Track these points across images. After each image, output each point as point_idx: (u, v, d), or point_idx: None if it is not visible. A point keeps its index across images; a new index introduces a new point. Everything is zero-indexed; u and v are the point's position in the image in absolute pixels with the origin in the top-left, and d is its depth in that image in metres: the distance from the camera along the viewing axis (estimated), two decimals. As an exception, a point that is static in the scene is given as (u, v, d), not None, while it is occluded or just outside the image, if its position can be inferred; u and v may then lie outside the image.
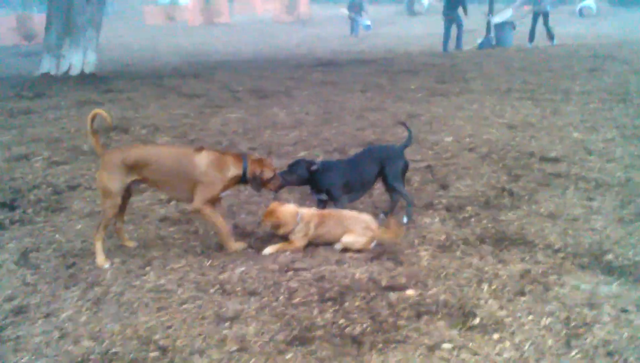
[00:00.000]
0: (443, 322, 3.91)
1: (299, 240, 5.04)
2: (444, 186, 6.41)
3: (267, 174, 5.03)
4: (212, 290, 4.39)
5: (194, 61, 21.09)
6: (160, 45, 30.06)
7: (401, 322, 3.90)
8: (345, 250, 4.98)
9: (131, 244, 5.21)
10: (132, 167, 4.79)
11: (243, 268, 4.71)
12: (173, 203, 6.20)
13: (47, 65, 15.71)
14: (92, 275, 4.66)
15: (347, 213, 5.18)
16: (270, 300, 4.23)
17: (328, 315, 4.00)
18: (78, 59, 15.55)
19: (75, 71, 15.47)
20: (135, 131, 9.24)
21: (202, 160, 4.84)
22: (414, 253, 4.89)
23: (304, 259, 4.85)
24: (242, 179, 4.98)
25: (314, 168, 5.38)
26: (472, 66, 15.72)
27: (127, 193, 4.99)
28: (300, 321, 3.94)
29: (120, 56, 23.01)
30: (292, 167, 5.43)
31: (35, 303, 4.26)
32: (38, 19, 34.17)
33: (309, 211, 5.17)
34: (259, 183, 5.00)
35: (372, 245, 5.04)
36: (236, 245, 5.08)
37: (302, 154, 7.73)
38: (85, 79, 15.07)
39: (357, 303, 4.13)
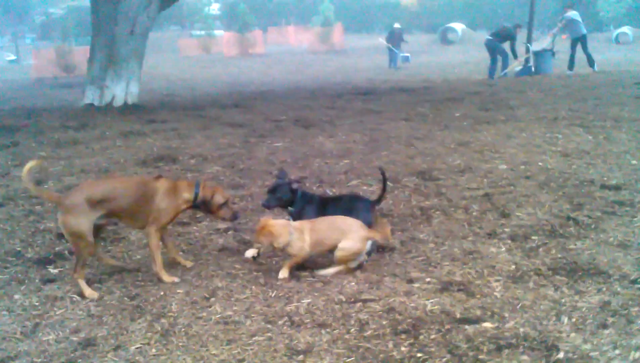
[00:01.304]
0: (526, 356, 3.75)
1: (299, 251, 5.04)
2: (505, 215, 6.25)
3: (218, 199, 5.15)
4: (280, 322, 4.29)
5: (232, 91, 21.24)
6: (198, 76, 30.42)
7: (482, 356, 3.75)
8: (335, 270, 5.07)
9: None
10: (97, 203, 4.78)
11: (309, 300, 4.60)
12: (230, 232, 6.14)
13: (90, 96, 15.92)
14: (157, 307, 4.59)
15: (337, 217, 5.23)
16: (341, 333, 4.12)
17: (404, 349, 3.87)
18: (121, 90, 15.73)
19: (118, 102, 15.65)
20: (184, 161, 9.24)
21: (160, 187, 5.03)
22: (485, 283, 4.74)
23: (370, 290, 4.73)
24: (193, 205, 5.16)
25: (294, 186, 5.63)
26: (514, 94, 15.57)
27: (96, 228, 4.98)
28: (376, 355, 3.82)
29: (159, 87, 23.29)
30: (275, 190, 5.61)
31: (102, 336, 4.19)
32: (77, 51, 34.92)
33: (299, 221, 5.24)
34: (209, 209, 5.18)
35: (368, 246, 5.10)
36: (168, 277, 5.07)
37: (354, 182, 7.64)
38: (128, 110, 15.22)
39: (432, 336, 3.99)
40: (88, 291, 4.81)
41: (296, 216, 5.54)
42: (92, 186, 5.15)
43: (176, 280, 5.04)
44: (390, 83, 21.14)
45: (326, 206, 5.65)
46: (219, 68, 35.34)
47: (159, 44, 49.69)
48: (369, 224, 5.31)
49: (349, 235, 5.00)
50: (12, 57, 53.13)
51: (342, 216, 5.22)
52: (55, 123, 13.58)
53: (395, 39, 32.26)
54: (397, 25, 33.61)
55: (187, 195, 5.10)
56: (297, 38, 49.62)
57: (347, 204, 5.62)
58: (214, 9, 64.90)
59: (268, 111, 14.57)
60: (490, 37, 21.67)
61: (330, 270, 5.08)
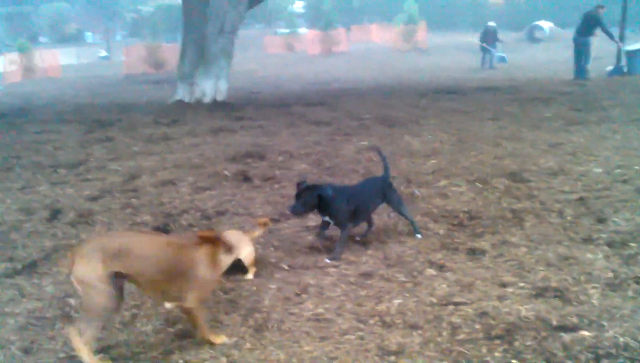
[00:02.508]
0: (627, 367, 3.64)
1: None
2: (601, 220, 6.05)
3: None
4: (371, 322, 4.30)
5: (316, 89, 21.39)
6: (283, 73, 30.76)
7: (580, 365, 3.66)
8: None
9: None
10: (112, 257, 3.74)
11: (400, 300, 4.60)
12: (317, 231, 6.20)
13: (180, 92, 16.40)
14: (250, 301, 4.69)
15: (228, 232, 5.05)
16: (433, 335, 4.09)
17: (497, 354, 3.81)
18: (210, 87, 16.14)
19: (207, 99, 16.06)
20: (272, 158, 9.38)
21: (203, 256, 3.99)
22: (582, 290, 4.61)
23: (461, 293, 4.69)
24: None
25: (327, 193, 5.44)
26: (607, 94, 15.02)
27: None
28: (469, 359, 3.78)
29: (246, 85, 23.70)
30: (304, 196, 5.47)
31: (198, 328, 4.31)
32: (165, 48, 35.94)
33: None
34: None
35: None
36: (219, 338, 4.14)
37: (442, 183, 7.56)
38: (217, 107, 15.58)
39: (528, 343, 3.91)
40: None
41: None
42: (108, 237, 4.31)
43: (226, 340, 4.13)
44: (475, 82, 20.78)
45: (361, 193, 5.81)
46: (303, 66, 35.64)
47: (245, 42, 50.55)
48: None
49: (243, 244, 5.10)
50: (104, 53, 55.18)
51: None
52: (147, 119, 14.05)
53: (489, 37, 30.54)
54: (491, 23, 31.59)
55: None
56: (381, 36, 49.40)
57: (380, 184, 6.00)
58: (298, 7, 65.45)
59: (352, 109, 14.58)
60: (577, 34, 20.47)
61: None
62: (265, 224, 5.52)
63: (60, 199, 7.47)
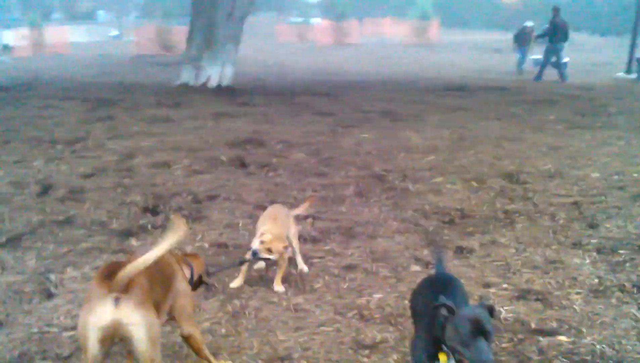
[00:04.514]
0: (601, 376, 3.60)
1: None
2: (593, 226, 5.99)
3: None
4: (350, 314, 4.28)
5: (323, 79, 21.30)
6: (292, 62, 30.68)
7: (555, 371, 3.63)
8: None
9: None
10: None
11: (380, 295, 4.57)
12: (309, 220, 6.16)
13: (186, 76, 16.36)
14: (231, 288, 4.66)
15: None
16: (410, 332, 4.06)
17: (473, 353, 3.77)
18: (216, 72, 16.10)
19: (212, 83, 16.02)
20: (271, 145, 9.35)
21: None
22: (565, 295, 4.56)
23: (444, 290, 4.65)
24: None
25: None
26: (613, 100, 14.90)
27: None
28: (444, 357, 3.75)
29: (252, 71, 23.62)
30: None
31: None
32: (177, 30, 35.80)
33: None
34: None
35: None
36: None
37: (438, 179, 7.51)
38: (221, 92, 15.55)
39: (504, 345, 3.88)
40: None
41: None
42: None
43: None
44: (483, 81, 20.65)
45: None
46: (313, 56, 35.52)
47: (255, 29, 50.41)
48: None
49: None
50: (115, 32, 55.10)
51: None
52: (150, 100, 14.04)
53: (525, 39, 26.71)
54: (529, 23, 28.94)
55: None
56: (393, 30, 49.16)
57: None
58: (313, -3, 65.31)
59: (357, 102, 14.53)
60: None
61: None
62: (311, 202, 5.51)
63: (53, 175, 7.46)
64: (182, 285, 3.35)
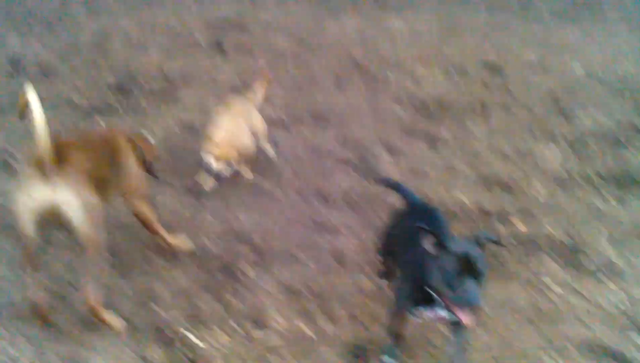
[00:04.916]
0: (551, 260, 3.68)
1: None
2: (568, 117, 5.96)
3: None
4: (313, 198, 4.30)
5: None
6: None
7: (507, 255, 3.70)
8: None
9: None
10: None
11: (347, 181, 4.60)
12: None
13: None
14: (191, 169, 4.62)
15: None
16: (369, 215, 4.11)
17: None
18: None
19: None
20: (255, 30, 9.08)
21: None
22: (530, 185, 4.60)
23: (410, 177, 4.67)
24: None
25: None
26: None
27: None
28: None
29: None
30: None
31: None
32: None
33: None
34: None
35: None
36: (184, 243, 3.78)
37: (418, 69, 7.38)
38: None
39: (462, 230, 3.92)
40: None
41: None
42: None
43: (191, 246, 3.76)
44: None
45: None
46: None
47: None
48: None
49: None
50: None
51: None
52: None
53: None
54: None
55: None
56: None
57: None
58: None
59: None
60: None
61: None
62: (264, 79, 5.08)
63: (27, 53, 7.28)
64: (131, 164, 3.33)
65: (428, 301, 2.58)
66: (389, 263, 3.25)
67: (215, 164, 4.18)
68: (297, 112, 5.91)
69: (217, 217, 4.01)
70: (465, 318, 2.39)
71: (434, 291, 2.51)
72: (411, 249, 2.65)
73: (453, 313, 2.46)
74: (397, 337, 2.94)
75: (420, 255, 2.52)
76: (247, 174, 4.52)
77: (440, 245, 2.45)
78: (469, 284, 2.35)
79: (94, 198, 2.86)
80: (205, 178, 4.35)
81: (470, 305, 2.35)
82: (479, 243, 2.49)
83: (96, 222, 2.86)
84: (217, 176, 4.25)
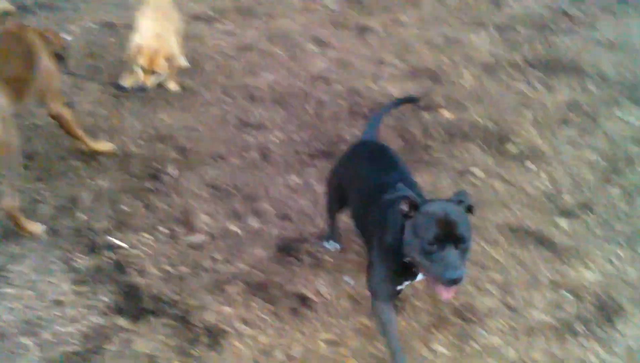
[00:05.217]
0: (477, 147, 3.70)
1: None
2: (498, 3, 5.88)
3: None
4: (238, 95, 4.19)
5: None
6: None
7: (432, 143, 3.71)
8: None
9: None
10: None
11: (273, 75, 4.47)
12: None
13: None
14: (111, 68, 4.43)
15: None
16: (297, 111, 4.04)
17: (356, 131, 3.79)
18: None
19: None
20: None
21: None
22: (457, 73, 4.57)
23: (338, 70, 4.58)
24: None
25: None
26: None
27: None
28: (330, 136, 3.77)
29: None
30: None
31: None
32: None
33: None
34: None
35: None
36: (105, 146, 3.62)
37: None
38: None
39: (390, 122, 3.90)
40: None
41: None
42: None
43: (112, 146, 3.62)
44: None
45: None
46: None
47: None
48: None
49: None
50: None
51: None
52: None
53: None
54: None
55: None
56: None
57: None
58: None
59: None
60: None
61: None
62: None
63: None
64: (45, 62, 3.15)
65: (410, 275, 2.23)
66: (334, 221, 2.94)
67: (143, 78, 3.82)
68: (222, 5, 5.66)
69: (138, 118, 3.87)
70: (445, 294, 2.05)
71: (411, 262, 2.10)
72: (374, 207, 2.29)
73: (432, 287, 2.16)
74: (332, 228, 2.96)
75: (393, 221, 2.14)
76: (174, 86, 4.23)
77: (414, 206, 2.03)
78: (449, 254, 1.95)
79: (4, 99, 2.71)
80: (126, 76, 4.12)
81: (451, 282, 1.95)
82: (458, 204, 2.05)
83: (8, 124, 2.72)
84: (143, 89, 3.87)
